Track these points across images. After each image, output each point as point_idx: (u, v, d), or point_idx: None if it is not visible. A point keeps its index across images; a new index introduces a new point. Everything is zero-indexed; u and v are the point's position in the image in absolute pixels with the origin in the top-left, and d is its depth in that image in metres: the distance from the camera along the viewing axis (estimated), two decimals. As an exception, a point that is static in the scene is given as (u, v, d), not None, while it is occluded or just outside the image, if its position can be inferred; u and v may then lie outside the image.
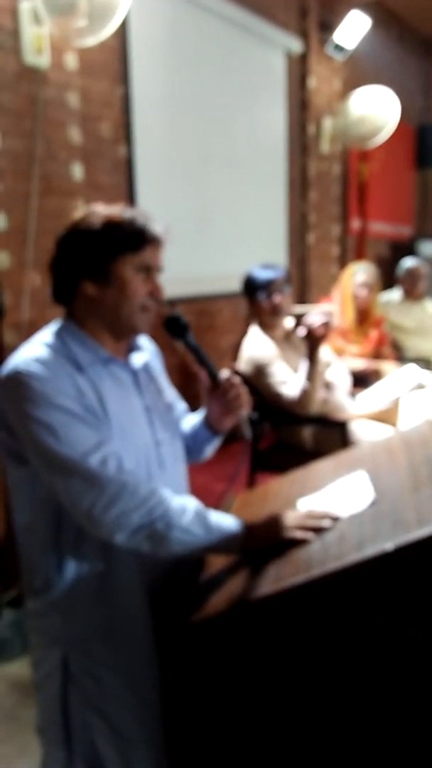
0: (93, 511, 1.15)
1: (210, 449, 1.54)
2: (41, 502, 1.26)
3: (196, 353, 1.42)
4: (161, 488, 1.22)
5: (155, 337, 1.50)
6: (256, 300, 2.71)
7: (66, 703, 1.30)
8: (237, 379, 1.44)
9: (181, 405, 1.54)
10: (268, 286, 2.66)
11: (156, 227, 1.28)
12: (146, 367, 1.41)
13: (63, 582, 1.27)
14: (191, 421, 1.53)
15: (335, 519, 1.25)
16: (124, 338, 1.35)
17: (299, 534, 1.23)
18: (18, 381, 1.17)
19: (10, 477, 1.31)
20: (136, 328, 1.32)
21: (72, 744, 1.32)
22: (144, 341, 1.46)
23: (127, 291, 1.27)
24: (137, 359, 1.39)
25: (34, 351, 1.22)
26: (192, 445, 1.51)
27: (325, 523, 1.24)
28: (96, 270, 1.26)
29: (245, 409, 1.44)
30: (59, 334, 1.28)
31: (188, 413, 1.57)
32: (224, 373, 1.44)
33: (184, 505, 1.21)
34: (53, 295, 1.33)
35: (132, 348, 1.39)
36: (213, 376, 1.43)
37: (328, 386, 2.77)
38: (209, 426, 1.49)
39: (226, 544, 1.24)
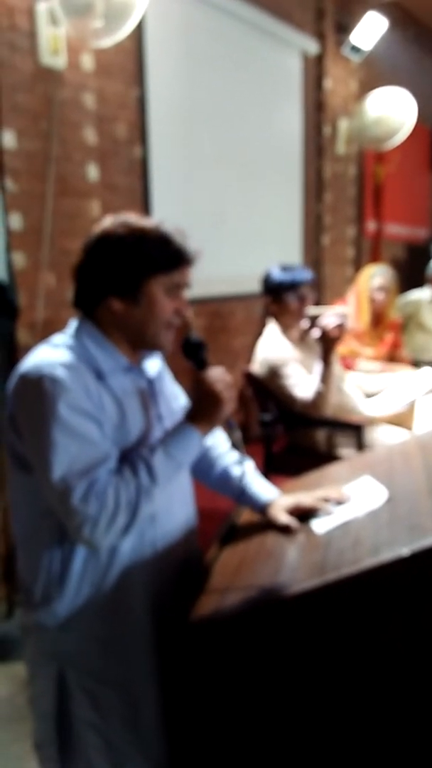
0: (82, 534, 1.14)
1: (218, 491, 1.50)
2: (44, 512, 1.20)
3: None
4: (126, 469, 1.17)
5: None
6: (283, 299, 2.68)
7: (61, 721, 1.27)
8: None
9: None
10: (298, 288, 2.66)
11: (191, 246, 1.24)
12: (160, 375, 1.39)
13: (63, 596, 1.23)
14: (255, 479, 1.46)
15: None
16: (142, 351, 1.33)
17: (225, 393, 1.22)
18: (36, 385, 1.14)
19: (12, 483, 1.27)
20: (160, 347, 1.29)
21: (67, 763, 1.29)
22: None
23: (155, 310, 1.24)
24: (151, 367, 1.36)
25: (56, 355, 1.18)
26: (217, 484, 1.48)
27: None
28: (125, 288, 1.22)
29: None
30: (80, 338, 1.24)
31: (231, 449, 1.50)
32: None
33: (148, 464, 1.18)
34: (75, 301, 1.28)
35: (144, 355, 1.36)
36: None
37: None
38: (260, 508, 1.41)
39: (193, 449, 1.23)
